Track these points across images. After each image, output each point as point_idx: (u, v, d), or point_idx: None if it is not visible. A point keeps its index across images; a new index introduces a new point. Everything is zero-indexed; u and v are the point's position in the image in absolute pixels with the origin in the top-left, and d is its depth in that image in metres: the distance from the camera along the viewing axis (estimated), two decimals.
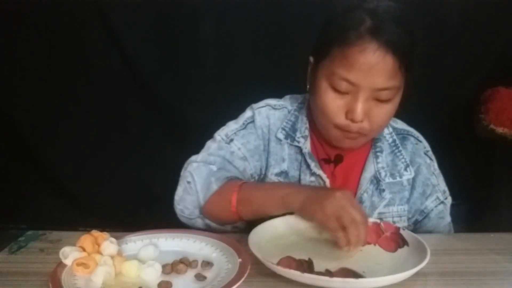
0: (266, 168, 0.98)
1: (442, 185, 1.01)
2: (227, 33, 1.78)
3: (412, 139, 1.01)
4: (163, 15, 1.79)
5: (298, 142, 0.97)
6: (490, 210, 1.77)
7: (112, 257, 0.71)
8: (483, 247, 0.83)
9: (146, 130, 1.92)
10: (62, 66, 1.83)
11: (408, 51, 0.82)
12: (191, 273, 0.71)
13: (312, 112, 0.94)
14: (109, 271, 0.68)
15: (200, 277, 0.69)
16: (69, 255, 0.70)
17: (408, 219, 0.99)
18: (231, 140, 0.98)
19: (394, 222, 0.94)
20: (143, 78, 1.86)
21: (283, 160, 0.97)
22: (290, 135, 0.98)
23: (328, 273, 0.71)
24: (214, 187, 0.90)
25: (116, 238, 0.76)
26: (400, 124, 1.04)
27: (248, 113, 1.02)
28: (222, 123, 1.06)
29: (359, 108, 0.82)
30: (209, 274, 0.70)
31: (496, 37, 1.78)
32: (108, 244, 0.73)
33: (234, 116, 1.06)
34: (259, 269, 0.72)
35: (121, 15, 1.78)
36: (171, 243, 0.81)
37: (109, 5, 1.77)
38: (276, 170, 0.97)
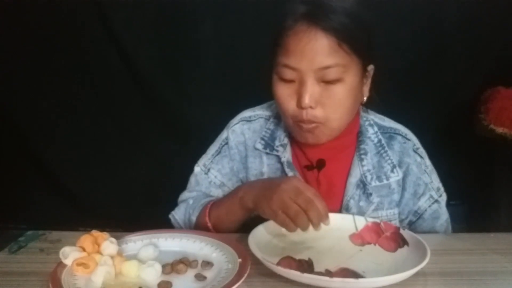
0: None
1: (436, 182, 0.97)
2: (227, 33, 1.78)
3: (399, 138, 0.96)
4: (163, 15, 1.79)
5: (277, 151, 0.96)
6: (490, 210, 1.77)
7: (112, 257, 0.71)
8: (483, 247, 0.83)
9: (146, 130, 1.92)
10: (62, 66, 1.84)
11: (347, 30, 0.81)
12: (191, 273, 0.71)
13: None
14: (109, 271, 0.68)
15: (200, 277, 0.69)
16: (69, 255, 0.71)
17: (401, 221, 0.95)
18: (209, 169, 1.01)
19: None
20: (143, 78, 1.86)
21: (262, 175, 0.97)
22: (269, 144, 0.97)
23: (328, 273, 0.71)
24: (193, 219, 0.94)
25: (116, 238, 0.76)
26: (388, 122, 0.99)
27: (223, 134, 1.03)
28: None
29: (305, 92, 0.81)
30: (209, 274, 0.70)
31: (496, 37, 1.78)
32: (108, 244, 0.73)
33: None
34: (259, 269, 0.72)
35: (121, 15, 1.78)
36: (171, 243, 0.81)
37: (109, 5, 1.77)
38: None
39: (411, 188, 0.94)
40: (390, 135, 0.97)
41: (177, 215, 1.00)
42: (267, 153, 0.97)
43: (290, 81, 0.84)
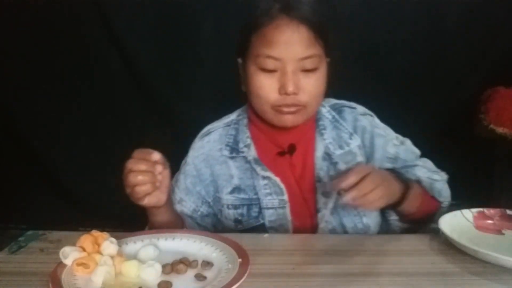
0: (217, 191, 1.00)
1: (392, 133, 1.04)
2: (227, 33, 1.78)
3: (346, 109, 1.04)
4: (164, 15, 1.79)
5: (243, 152, 1.00)
6: None
7: (112, 257, 0.71)
8: None
9: (146, 130, 1.92)
10: (62, 66, 1.84)
11: (319, 23, 0.89)
12: (191, 273, 0.71)
13: (253, 107, 0.97)
14: (109, 271, 0.68)
15: (200, 277, 0.69)
16: (69, 255, 0.71)
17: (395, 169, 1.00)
18: (173, 188, 1.03)
19: None
20: (143, 78, 1.86)
21: (232, 177, 1.00)
22: (234, 149, 1.01)
23: None
24: None
25: (116, 238, 0.76)
26: (333, 101, 1.07)
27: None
28: None
29: (288, 80, 0.88)
30: (209, 274, 0.70)
31: (496, 37, 1.78)
32: (108, 244, 0.73)
33: None
34: (259, 269, 0.72)
35: (121, 15, 1.78)
36: (171, 243, 0.81)
37: (109, 5, 1.77)
38: (229, 189, 0.99)
39: (371, 142, 1.01)
40: (339, 109, 1.04)
41: None
42: (232, 157, 1.01)
43: (272, 71, 0.90)
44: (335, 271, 0.74)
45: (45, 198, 1.97)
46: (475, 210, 0.91)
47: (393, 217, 0.96)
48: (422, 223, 0.97)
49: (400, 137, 1.05)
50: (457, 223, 0.88)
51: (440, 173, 1.01)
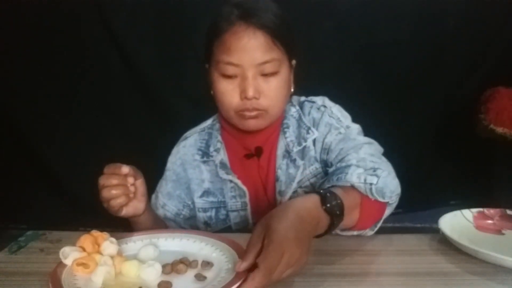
0: (192, 195, 1.04)
1: (344, 123, 0.99)
2: None
3: (306, 103, 1.04)
4: (163, 15, 1.79)
5: (212, 156, 1.03)
6: None
7: (112, 257, 0.71)
8: None
9: (147, 130, 1.92)
10: (62, 66, 1.83)
11: (278, 28, 0.91)
12: (191, 273, 0.71)
13: (220, 112, 0.99)
14: (109, 271, 0.68)
15: (200, 277, 0.69)
16: (69, 255, 0.71)
17: (329, 172, 0.92)
18: (157, 194, 1.08)
19: (311, 184, 0.98)
20: (143, 78, 1.86)
21: (203, 181, 1.03)
22: (206, 153, 1.04)
23: None
24: None
25: (116, 238, 0.76)
26: (302, 99, 1.06)
27: None
28: None
29: (248, 85, 0.90)
30: (209, 274, 0.70)
31: (496, 37, 1.78)
32: (108, 244, 0.73)
33: None
34: None
35: (121, 15, 1.78)
36: (171, 243, 0.81)
37: (109, 5, 1.77)
38: (199, 193, 1.03)
39: (320, 136, 0.99)
40: (301, 106, 1.05)
41: None
42: (204, 161, 1.04)
43: (232, 77, 0.91)
44: (335, 271, 0.74)
45: (45, 198, 1.96)
46: (475, 210, 0.92)
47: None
48: (374, 226, 0.85)
49: (352, 126, 0.98)
50: (457, 223, 0.89)
51: (378, 170, 0.83)
